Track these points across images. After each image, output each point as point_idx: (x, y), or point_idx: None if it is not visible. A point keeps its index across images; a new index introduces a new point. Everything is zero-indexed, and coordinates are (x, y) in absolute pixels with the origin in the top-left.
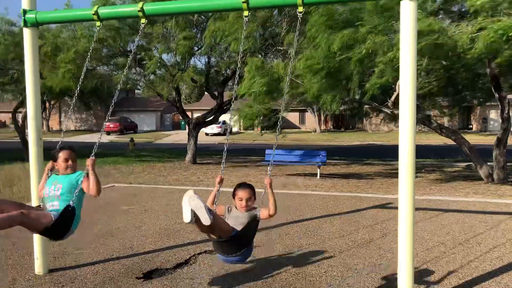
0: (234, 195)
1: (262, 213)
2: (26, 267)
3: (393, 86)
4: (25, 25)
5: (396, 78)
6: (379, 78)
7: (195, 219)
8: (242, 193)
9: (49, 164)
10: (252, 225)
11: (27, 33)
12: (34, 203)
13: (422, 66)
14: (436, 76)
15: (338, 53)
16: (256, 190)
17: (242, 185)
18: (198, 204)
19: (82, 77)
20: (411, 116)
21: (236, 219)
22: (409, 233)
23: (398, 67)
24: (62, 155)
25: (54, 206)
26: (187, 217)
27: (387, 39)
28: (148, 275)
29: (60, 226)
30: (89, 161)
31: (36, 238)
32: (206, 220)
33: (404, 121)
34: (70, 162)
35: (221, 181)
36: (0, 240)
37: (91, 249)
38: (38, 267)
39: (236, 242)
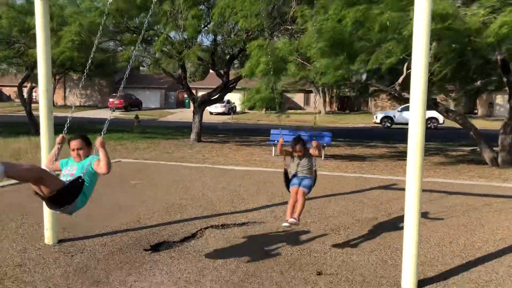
0: None
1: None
2: (36, 237)
3: (400, 68)
4: None
5: (403, 59)
6: (387, 58)
7: None
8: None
9: (59, 138)
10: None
11: (38, 5)
12: None
13: (431, 51)
14: (445, 61)
15: (350, 28)
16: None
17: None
18: None
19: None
20: (422, 100)
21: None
22: (416, 213)
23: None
24: (71, 146)
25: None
26: None
27: (402, 16)
28: (156, 247)
29: (66, 193)
30: (97, 142)
31: (46, 209)
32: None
33: (415, 104)
34: (78, 152)
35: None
36: (11, 210)
37: (99, 222)
38: (48, 238)
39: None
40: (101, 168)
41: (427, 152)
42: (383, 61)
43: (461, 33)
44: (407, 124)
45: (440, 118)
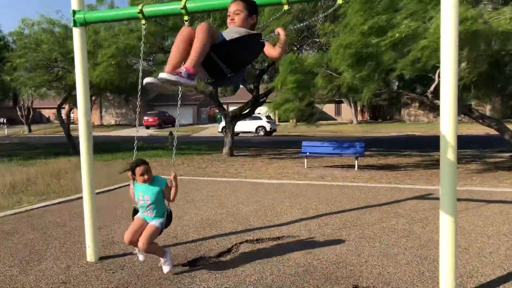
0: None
1: (267, 46)
2: (79, 255)
3: (430, 74)
4: (75, 25)
5: (435, 67)
6: (413, 64)
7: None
8: (229, 8)
9: (130, 174)
10: (255, 38)
11: (76, 33)
12: (85, 193)
13: (463, 56)
14: (478, 66)
15: (371, 38)
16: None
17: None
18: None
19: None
20: (453, 105)
21: (230, 32)
22: (452, 223)
23: (433, 53)
24: (139, 172)
25: (148, 214)
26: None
27: (421, 25)
28: (193, 263)
29: (166, 226)
30: (173, 176)
31: (87, 227)
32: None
33: (445, 110)
34: (146, 176)
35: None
36: (54, 229)
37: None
38: (90, 255)
39: (227, 50)
40: (170, 198)
41: (463, 159)
42: (410, 67)
43: (485, 37)
44: (239, 133)
45: (268, 126)
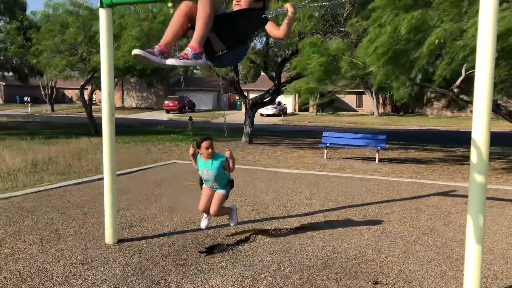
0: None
1: (270, 25)
2: (97, 236)
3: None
4: (101, 5)
5: (462, 61)
6: (448, 65)
7: None
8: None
9: (191, 149)
10: (257, 12)
11: (103, 14)
12: (106, 175)
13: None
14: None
15: (406, 36)
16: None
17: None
18: None
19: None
20: (487, 103)
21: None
22: (480, 222)
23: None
24: (204, 145)
25: (214, 186)
26: None
27: (458, 27)
28: (211, 250)
29: (229, 191)
30: (228, 153)
31: (107, 208)
32: None
33: (479, 108)
34: (210, 150)
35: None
36: (74, 209)
37: (156, 222)
38: (108, 237)
39: (226, 23)
40: (229, 170)
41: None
42: (446, 68)
43: None
44: None
45: None
